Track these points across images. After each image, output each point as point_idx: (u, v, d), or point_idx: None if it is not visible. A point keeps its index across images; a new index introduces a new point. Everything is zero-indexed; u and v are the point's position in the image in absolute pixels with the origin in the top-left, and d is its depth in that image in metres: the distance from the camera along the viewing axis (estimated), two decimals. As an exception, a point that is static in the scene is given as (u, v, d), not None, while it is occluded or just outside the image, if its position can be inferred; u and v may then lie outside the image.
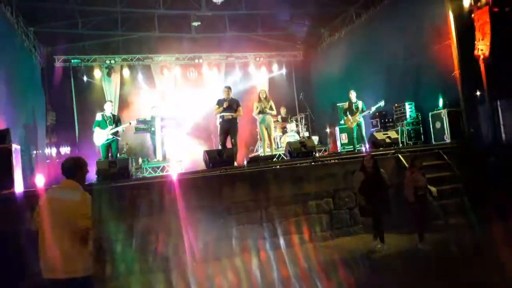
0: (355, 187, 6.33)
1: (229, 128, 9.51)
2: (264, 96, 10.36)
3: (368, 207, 6.11)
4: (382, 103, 10.40)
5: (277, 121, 13.08)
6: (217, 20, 13.75)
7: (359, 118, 10.55)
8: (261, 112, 10.18)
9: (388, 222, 6.23)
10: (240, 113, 9.66)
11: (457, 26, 8.96)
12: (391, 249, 6.09)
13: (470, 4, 8.71)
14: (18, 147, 7.16)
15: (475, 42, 8.43)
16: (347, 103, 11.00)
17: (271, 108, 10.26)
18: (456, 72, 9.06)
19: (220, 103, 9.58)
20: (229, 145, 9.49)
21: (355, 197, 7.44)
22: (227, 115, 9.46)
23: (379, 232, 6.20)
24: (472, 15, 8.63)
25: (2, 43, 9.29)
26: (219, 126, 9.72)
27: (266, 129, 10.26)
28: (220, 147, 9.44)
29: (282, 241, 6.84)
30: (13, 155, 6.64)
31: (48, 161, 12.36)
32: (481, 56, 8.36)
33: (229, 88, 9.79)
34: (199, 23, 13.56)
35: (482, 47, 8.36)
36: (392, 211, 6.16)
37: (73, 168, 3.48)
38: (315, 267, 5.50)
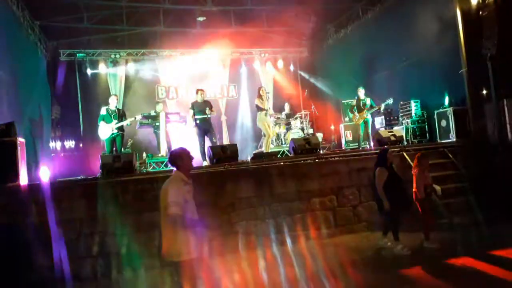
0: (379, 184, 5.95)
1: (207, 129, 9.75)
2: (266, 93, 10.31)
3: (392, 204, 5.86)
4: (390, 101, 10.36)
5: (281, 117, 13.06)
6: (223, 15, 13.69)
7: (367, 115, 10.50)
8: (264, 109, 10.15)
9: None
10: (214, 113, 9.92)
11: (464, 24, 8.87)
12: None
13: (478, 2, 8.62)
14: (23, 140, 7.17)
15: (483, 40, 8.36)
16: (355, 100, 10.95)
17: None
18: (464, 70, 8.99)
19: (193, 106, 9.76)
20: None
21: (359, 195, 7.43)
22: (203, 117, 9.63)
23: (394, 230, 6.04)
24: (480, 13, 8.56)
25: (8, 37, 9.30)
26: (195, 128, 9.82)
27: (269, 126, 10.25)
28: (200, 149, 9.54)
29: (286, 238, 6.84)
30: (18, 148, 6.65)
31: (53, 154, 12.40)
32: (488, 55, 8.29)
33: (202, 90, 10.07)
34: (205, 18, 13.54)
35: (489, 46, 8.29)
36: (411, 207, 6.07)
37: (173, 159, 3.76)
38: (320, 264, 5.49)
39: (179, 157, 3.73)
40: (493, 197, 7.05)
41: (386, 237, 6.20)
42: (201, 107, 9.66)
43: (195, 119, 9.69)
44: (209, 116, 9.71)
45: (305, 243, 6.58)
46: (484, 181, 7.52)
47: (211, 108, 9.78)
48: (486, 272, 4.81)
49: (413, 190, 6.14)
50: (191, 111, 9.74)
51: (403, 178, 6.44)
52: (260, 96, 10.09)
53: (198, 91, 9.98)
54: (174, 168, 3.74)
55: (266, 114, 10.13)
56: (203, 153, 9.37)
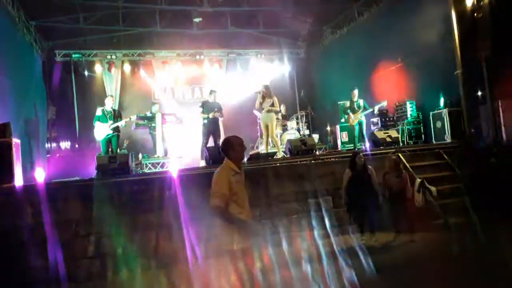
0: (343, 184, 6.58)
1: (213, 130, 9.85)
2: (265, 92, 10.20)
3: (354, 203, 6.45)
4: (384, 103, 10.39)
5: (278, 118, 13.04)
6: (219, 16, 13.71)
7: (361, 116, 10.53)
8: (260, 108, 10.13)
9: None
10: (217, 114, 9.96)
11: (459, 25, 8.93)
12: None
13: (473, 4, 8.69)
14: (19, 141, 7.15)
15: (477, 42, 8.41)
16: (348, 101, 10.98)
17: (272, 105, 10.03)
18: (458, 71, 9.04)
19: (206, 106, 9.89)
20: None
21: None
22: (213, 117, 9.77)
23: (368, 225, 6.46)
24: (475, 15, 8.61)
25: (3, 37, 9.27)
26: (202, 127, 9.99)
27: (267, 126, 10.13)
28: (203, 147, 9.58)
29: (282, 238, 6.83)
30: (13, 149, 6.63)
31: (48, 155, 12.35)
32: (483, 56, 8.35)
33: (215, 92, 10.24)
34: (201, 19, 13.54)
35: (484, 47, 8.35)
36: (381, 206, 6.44)
37: (224, 148, 3.72)
38: (316, 264, 5.50)
39: (231, 146, 3.66)
40: (488, 198, 7.08)
41: (363, 235, 6.53)
42: (211, 107, 9.76)
43: (203, 118, 9.80)
44: (215, 117, 9.82)
45: (301, 244, 6.57)
46: (479, 182, 7.56)
47: (220, 110, 9.92)
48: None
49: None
50: (200, 109, 9.89)
51: (398, 179, 6.51)
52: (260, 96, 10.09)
53: (211, 91, 10.21)
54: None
55: (263, 116, 10.11)
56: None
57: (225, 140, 3.75)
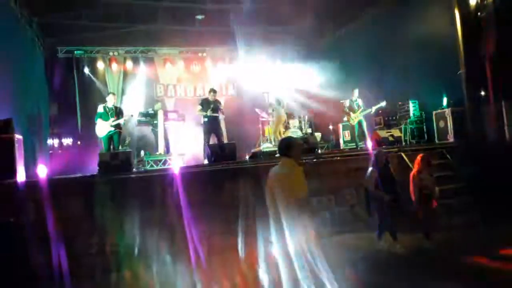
0: (370, 184, 6.07)
1: (214, 128, 9.85)
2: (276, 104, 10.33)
3: (388, 202, 5.93)
4: (383, 104, 10.37)
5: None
6: (221, 14, 13.67)
7: (361, 116, 10.52)
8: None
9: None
10: (217, 114, 9.94)
11: (463, 25, 8.89)
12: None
13: (477, 3, 8.63)
14: (21, 137, 7.15)
15: (481, 41, 8.37)
16: (348, 100, 10.97)
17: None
18: (462, 71, 9.00)
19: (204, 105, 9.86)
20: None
21: (356, 195, 7.43)
22: (211, 115, 9.74)
23: (391, 229, 6.08)
24: (478, 14, 8.57)
25: (5, 33, 9.25)
26: (203, 125, 9.97)
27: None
28: (205, 145, 9.56)
29: (284, 236, 6.82)
30: (16, 145, 6.64)
31: (50, 151, 12.36)
32: (487, 56, 8.31)
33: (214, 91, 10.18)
34: (203, 16, 13.51)
35: (487, 47, 8.31)
36: (402, 207, 6.11)
37: (285, 148, 3.89)
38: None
39: (291, 146, 3.86)
40: (491, 197, 7.07)
41: (381, 239, 6.20)
42: (210, 105, 9.73)
43: (203, 117, 9.78)
44: (215, 115, 9.80)
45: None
46: (482, 182, 7.54)
47: (219, 108, 9.89)
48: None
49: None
50: (199, 107, 9.85)
51: (400, 179, 6.46)
52: None
53: (211, 90, 10.17)
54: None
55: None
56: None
57: (286, 141, 3.97)
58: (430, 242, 6.12)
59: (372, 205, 6.15)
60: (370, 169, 6.18)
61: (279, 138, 10.33)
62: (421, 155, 6.47)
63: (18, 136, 6.91)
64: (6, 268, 5.42)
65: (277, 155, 3.85)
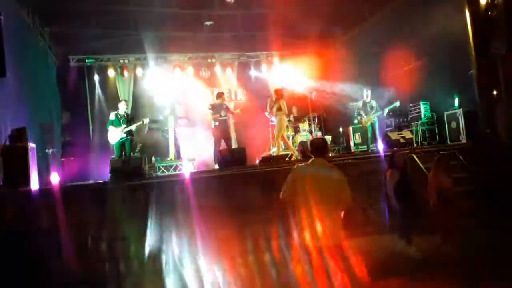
0: (390, 186, 6.00)
1: (223, 132, 9.92)
2: (276, 96, 10.23)
3: (403, 207, 5.89)
4: (397, 104, 10.30)
5: (290, 120, 13.02)
6: (230, 19, 13.74)
7: (374, 117, 10.45)
8: (271, 113, 10.21)
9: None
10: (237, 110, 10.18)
11: (474, 24, 8.80)
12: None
13: (487, 2, 8.54)
14: (34, 145, 7.26)
15: (492, 40, 8.27)
16: (361, 102, 10.92)
17: (279, 109, 10.05)
18: (473, 71, 8.90)
19: (214, 109, 9.93)
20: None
21: (369, 198, 7.36)
22: (221, 119, 9.82)
23: (405, 232, 6.00)
24: (489, 13, 8.48)
25: (18, 43, 9.41)
26: (213, 130, 10.06)
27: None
28: (215, 150, 9.55)
29: (295, 241, 6.79)
30: (29, 153, 6.74)
31: (63, 159, 12.51)
32: (498, 55, 8.21)
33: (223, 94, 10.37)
34: (212, 22, 13.59)
35: (499, 46, 8.20)
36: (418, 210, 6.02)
37: (323, 148, 3.96)
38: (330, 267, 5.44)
39: (327, 146, 4.05)
40: (505, 199, 6.95)
41: (402, 240, 6.12)
42: (219, 109, 9.75)
43: (214, 121, 9.84)
44: (225, 118, 9.87)
45: (315, 246, 6.52)
46: (495, 183, 7.43)
47: (229, 109, 10.00)
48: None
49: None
50: (210, 112, 9.93)
51: (412, 180, 6.39)
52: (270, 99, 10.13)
53: (219, 93, 10.34)
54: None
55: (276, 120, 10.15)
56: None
57: (324, 142, 4.05)
58: (448, 245, 6.02)
59: (393, 206, 6.06)
60: (389, 170, 6.07)
61: (280, 144, 10.31)
62: (438, 156, 6.38)
63: (31, 145, 7.01)
64: (19, 276, 5.49)
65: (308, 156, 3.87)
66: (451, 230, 6.13)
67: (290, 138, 12.85)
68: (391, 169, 6.06)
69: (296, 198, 3.76)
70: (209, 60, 15.14)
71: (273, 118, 10.22)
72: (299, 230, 3.75)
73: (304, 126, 12.90)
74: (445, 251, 5.94)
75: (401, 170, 5.99)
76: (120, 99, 12.77)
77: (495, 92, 8.50)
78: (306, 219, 3.68)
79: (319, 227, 3.65)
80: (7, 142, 6.81)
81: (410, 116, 11.13)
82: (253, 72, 15.99)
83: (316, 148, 3.92)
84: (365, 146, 11.30)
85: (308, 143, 4.08)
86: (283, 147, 11.00)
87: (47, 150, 10.72)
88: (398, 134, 9.61)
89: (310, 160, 3.93)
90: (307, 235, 3.69)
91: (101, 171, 10.31)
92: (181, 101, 14.98)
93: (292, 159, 9.75)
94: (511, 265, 4.98)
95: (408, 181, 5.98)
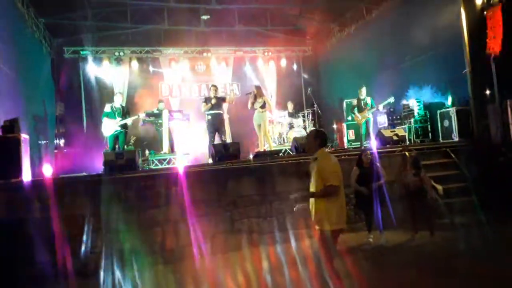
0: (352, 180, 6.58)
1: (218, 126, 9.92)
2: (256, 92, 10.21)
3: (362, 201, 6.52)
4: (391, 99, 10.35)
5: (284, 116, 13.06)
6: (227, 14, 13.71)
7: (368, 114, 10.50)
8: (252, 108, 10.22)
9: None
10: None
11: (469, 23, 8.83)
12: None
13: (483, 2, 8.58)
14: (27, 136, 7.22)
15: (487, 40, 8.33)
16: (356, 99, 10.95)
17: (262, 106, 10.08)
18: (467, 70, 8.96)
19: (207, 101, 9.90)
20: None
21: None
22: (215, 112, 9.80)
23: (375, 223, 6.47)
24: (485, 13, 8.52)
25: (12, 34, 9.35)
26: (207, 124, 10.04)
27: (259, 125, 10.19)
28: (210, 144, 9.57)
29: (288, 235, 6.85)
30: (22, 144, 6.70)
31: (56, 151, 12.47)
32: (492, 55, 8.26)
33: (215, 87, 10.25)
34: (208, 16, 13.56)
35: (493, 46, 8.26)
36: (387, 203, 6.42)
37: (324, 139, 4.15)
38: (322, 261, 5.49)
39: (326, 137, 4.21)
40: (496, 197, 7.04)
41: (370, 233, 6.58)
42: (213, 102, 9.76)
43: (207, 114, 9.81)
44: (219, 112, 9.88)
45: (308, 241, 6.58)
46: (486, 181, 7.52)
47: (221, 100, 10.00)
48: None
49: None
50: (203, 104, 9.91)
51: (415, 178, 6.51)
52: (251, 96, 10.15)
53: (212, 86, 10.25)
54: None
55: (255, 116, 10.17)
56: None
57: (322, 132, 4.24)
58: (431, 239, 6.35)
59: (359, 201, 6.64)
60: (354, 168, 6.67)
61: (268, 140, 10.35)
62: (410, 155, 6.99)
63: (24, 136, 6.97)
64: (11, 267, 5.49)
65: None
66: (430, 224, 6.54)
67: (285, 133, 12.90)
68: (355, 167, 6.68)
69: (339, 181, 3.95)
70: (204, 54, 15.10)
71: (256, 114, 10.21)
72: (341, 212, 3.95)
73: (298, 121, 12.93)
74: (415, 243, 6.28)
75: (365, 169, 6.55)
76: (115, 91, 12.72)
77: (488, 91, 8.57)
78: (340, 202, 3.95)
79: (344, 210, 4.02)
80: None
81: (403, 113, 11.19)
82: (248, 67, 15.96)
83: (323, 139, 4.11)
84: (358, 143, 11.35)
85: (314, 133, 4.20)
86: (276, 143, 11.03)
87: (40, 142, 10.67)
88: (391, 132, 9.64)
89: (326, 149, 4.20)
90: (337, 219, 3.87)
91: (94, 164, 10.28)
92: (175, 95, 14.98)
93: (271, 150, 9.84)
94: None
95: (369, 179, 6.42)
